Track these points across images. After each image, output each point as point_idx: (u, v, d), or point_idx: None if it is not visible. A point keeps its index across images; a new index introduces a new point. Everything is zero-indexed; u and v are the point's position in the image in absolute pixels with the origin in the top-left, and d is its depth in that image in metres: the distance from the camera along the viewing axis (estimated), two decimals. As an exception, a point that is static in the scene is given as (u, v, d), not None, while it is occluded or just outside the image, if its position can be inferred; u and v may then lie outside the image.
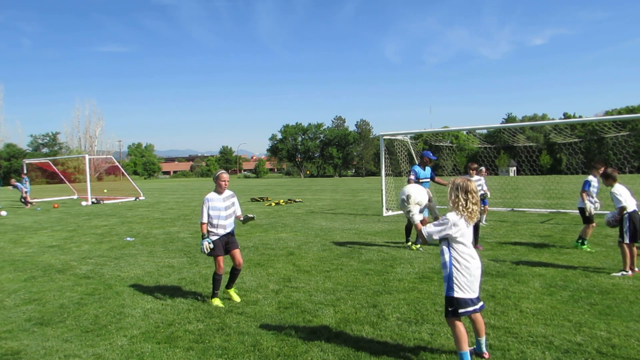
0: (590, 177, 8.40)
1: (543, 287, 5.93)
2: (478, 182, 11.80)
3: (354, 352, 4.08)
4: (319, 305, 5.45)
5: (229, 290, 5.87)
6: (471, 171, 9.96)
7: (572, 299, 5.41)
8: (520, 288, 5.91)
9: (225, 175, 5.70)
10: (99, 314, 5.39)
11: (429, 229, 3.70)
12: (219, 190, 5.69)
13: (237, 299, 5.78)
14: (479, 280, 3.72)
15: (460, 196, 3.64)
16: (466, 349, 3.62)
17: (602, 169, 8.73)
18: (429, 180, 9.37)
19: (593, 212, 8.34)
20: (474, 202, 3.64)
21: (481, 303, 3.76)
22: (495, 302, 5.35)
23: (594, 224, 8.44)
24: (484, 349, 3.91)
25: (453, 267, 3.63)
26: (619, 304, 5.20)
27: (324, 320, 4.92)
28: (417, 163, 9.26)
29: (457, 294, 3.60)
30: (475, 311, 3.69)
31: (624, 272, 6.43)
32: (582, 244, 8.40)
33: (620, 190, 6.61)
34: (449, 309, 3.65)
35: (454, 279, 3.62)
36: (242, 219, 5.86)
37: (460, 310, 3.60)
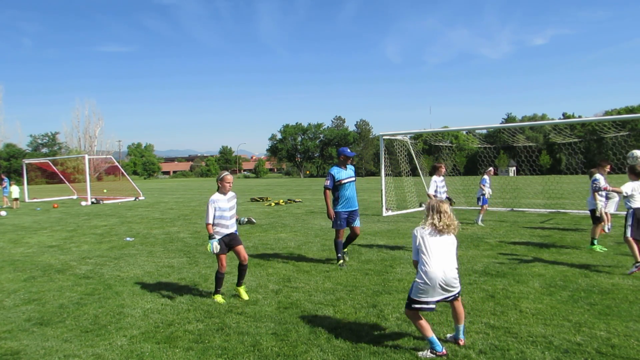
0: (597, 176, 8.41)
1: (543, 287, 5.93)
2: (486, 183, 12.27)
3: (354, 352, 4.08)
4: (319, 305, 5.45)
5: (239, 288, 5.89)
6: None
7: (571, 299, 5.41)
8: (520, 288, 5.91)
9: (229, 177, 5.80)
10: (98, 314, 5.39)
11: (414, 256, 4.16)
12: (222, 191, 5.75)
13: (245, 297, 5.81)
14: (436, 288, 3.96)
15: (434, 216, 4.12)
16: (431, 334, 3.98)
17: (608, 167, 8.75)
18: (354, 179, 7.68)
19: (604, 211, 8.40)
20: (446, 219, 4.12)
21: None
22: (495, 302, 5.35)
23: (602, 223, 8.46)
24: (461, 335, 4.18)
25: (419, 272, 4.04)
26: (618, 304, 5.21)
27: (323, 320, 4.92)
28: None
29: (418, 297, 4.00)
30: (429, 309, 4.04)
31: (638, 264, 6.35)
32: (592, 244, 8.39)
33: (636, 187, 6.55)
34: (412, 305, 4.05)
35: (415, 282, 4.04)
36: (238, 220, 5.99)
37: (415, 306, 4.01)
